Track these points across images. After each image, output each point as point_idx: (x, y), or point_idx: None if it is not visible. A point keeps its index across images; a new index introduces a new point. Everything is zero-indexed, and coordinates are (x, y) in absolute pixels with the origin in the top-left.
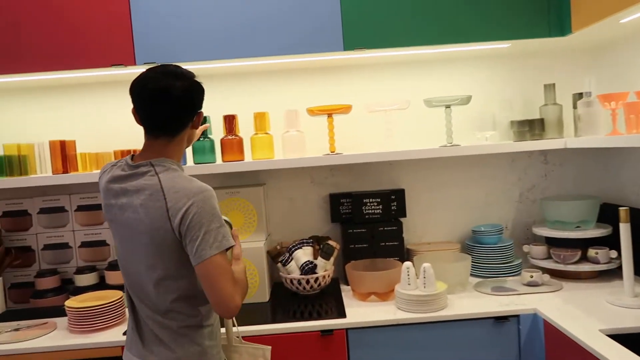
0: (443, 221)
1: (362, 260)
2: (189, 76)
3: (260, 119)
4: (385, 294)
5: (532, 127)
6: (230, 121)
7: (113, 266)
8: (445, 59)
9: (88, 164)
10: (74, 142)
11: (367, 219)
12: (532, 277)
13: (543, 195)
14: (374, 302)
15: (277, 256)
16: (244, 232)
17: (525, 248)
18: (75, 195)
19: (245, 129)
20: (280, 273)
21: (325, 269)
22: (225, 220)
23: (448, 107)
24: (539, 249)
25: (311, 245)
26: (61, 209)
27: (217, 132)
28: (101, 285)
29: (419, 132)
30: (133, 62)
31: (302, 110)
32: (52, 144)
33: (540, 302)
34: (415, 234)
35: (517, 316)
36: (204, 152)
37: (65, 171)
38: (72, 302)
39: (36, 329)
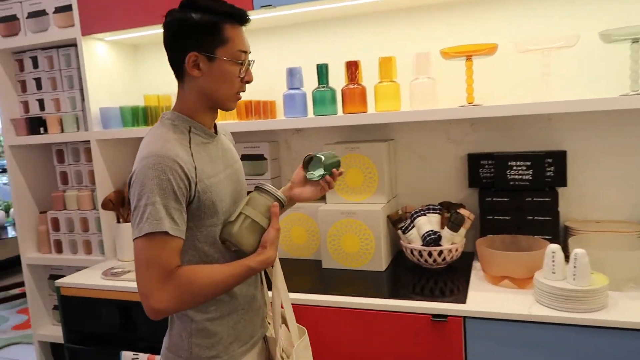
0: (619, 195)
1: (502, 235)
2: (178, 8)
3: (385, 65)
4: (523, 281)
5: None
6: (352, 68)
7: None
8: None
9: None
10: None
11: (513, 185)
12: None
13: None
14: (508, 288)
15: (397, 222)
16: (363, 192)
17: None
18: None
19: (369, 76)
20: (401, 241)
21: (452, 241)
22: (265, 189)
23: (636, 41)
24: None
25: (438, 213)
26: None
27: (338, 80)
28: None
29: (589, 78)
30: (251, 7)
31: (435, 53)
32: None
33: None
34: (578, 209)
35: None
36: (324, 102)
37: None
38: None
39: None
